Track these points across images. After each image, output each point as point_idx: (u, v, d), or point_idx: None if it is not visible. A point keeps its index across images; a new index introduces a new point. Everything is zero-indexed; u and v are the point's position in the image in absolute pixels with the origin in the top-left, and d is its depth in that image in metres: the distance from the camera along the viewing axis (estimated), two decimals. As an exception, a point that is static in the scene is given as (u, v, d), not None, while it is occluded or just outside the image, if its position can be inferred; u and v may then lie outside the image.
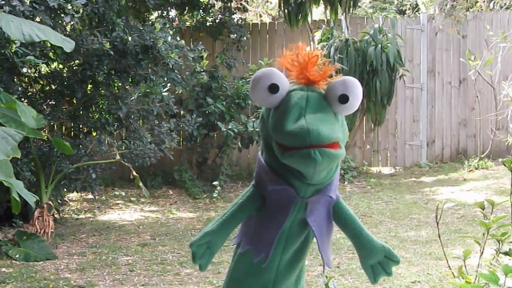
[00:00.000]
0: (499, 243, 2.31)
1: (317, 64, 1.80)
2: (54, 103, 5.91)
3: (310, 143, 1.64)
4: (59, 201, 5.93)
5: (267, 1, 11.34)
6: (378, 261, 1.90)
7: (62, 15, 4.72)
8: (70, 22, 4.83)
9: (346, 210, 1.90)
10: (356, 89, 1.77)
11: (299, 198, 1.78)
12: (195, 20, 8.35)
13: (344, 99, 1.75)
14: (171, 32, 5.77)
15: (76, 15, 4.68)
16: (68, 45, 3.85)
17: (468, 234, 4.90)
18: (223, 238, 1.88)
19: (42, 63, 5.01)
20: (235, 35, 7.91)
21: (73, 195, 7.17)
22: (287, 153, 1.69)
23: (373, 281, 1.92)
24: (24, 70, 5.06)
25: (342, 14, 7.64)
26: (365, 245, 1.89)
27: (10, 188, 2.76)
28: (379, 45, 7.29)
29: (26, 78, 5.90)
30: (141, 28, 5.60)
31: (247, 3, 9.09)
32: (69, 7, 4.58)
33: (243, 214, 1.87)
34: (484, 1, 9.40)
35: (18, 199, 2.88)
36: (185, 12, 8.27)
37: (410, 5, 11.31)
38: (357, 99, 1.77)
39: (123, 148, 5.95)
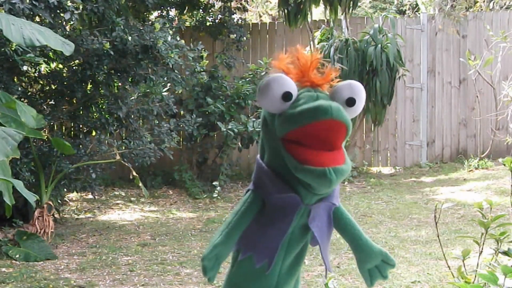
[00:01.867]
0: (498, 243, 2.31)
1: (317, 67, 1.80)
2: (54, 103, 5.91)
3: (332, 115, 1.65)
4: (59, 201, 5.93)
5: (267, 1, 11.34)
6: (375, 265, 1.91)
7: (62, 14, 4.72)
8: (70, 20, 4.83)
9: (346, 215, 1.91)
10: (361, 93, 1.80)
11: (303, 205, 1.78)
12: (195, 20, 8.35)
13: (351, 102, 1.76)
14: (171, 32, 5.77)
15: (75, 12, 4.68)
16: (68, 48, 3.84)
17: (468, 234, 4.90)
18: (230, 248, 1.88)
19: (42, 61, 5.00)
20: (235, 35, 7.91)
21: (73, 195, 7.17)
22: (302, 167, 1.68)
23: (369, 284, 1.94)
24: (24, 68, 5.05)
25: (342, 14, 7.64)
26: (363, 250, 1.90)
27: (3, 192, 2.76)
28: (379, 45, 7.29)
29: (26, 78, 5.90)
30: (141, 28, 5.60)
31: (247, 3, 9.07)
32: (69, 3, 4.58)
33: (246, 221, 1.86)
34: (484, 1, 9.40)
35: (9, 202, 2.88)
36: (185, 11, 8.27)
37: (410, 5, 11.31)
38: (362, 102, 1.80)
39: (123, 148, 5.94)
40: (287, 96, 1.73)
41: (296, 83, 1.78)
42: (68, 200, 6.90)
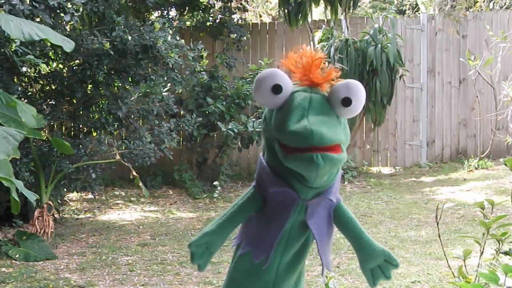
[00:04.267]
0: (499, 243, 2.31)
1: (321, 67, 1.80)
2: (54, 103, 5.90)
3: (313, 144, 1.64)
4: (59, 201, 5.93)
5: (267, 1, 11.34)
6: (377, 265, 1.90)
7: (62, 14, 4.72)
8: (70, 22, 4.82)
9: (347, 213, 1.90)
10: (359, 93, 1.77)
11: (300, 201, 1.78)
12: (195, 20, 8.34)
13: (347, 102, 1.75)
14: (171, 32, 5.77)
15: (76, 14, 4.67)
16: (68, 45, 3.84)
17: (468, 234, 4.90)
18: (222, 239, 1.89)
19: (42, 63, 5.00)
20: (235, 35, 7.91)
21: (73, 195, 7.16)
22: (290, 155, 1.69)
23: (372, 284, 1.93)
24: (24, 69, 5.05)
25: (342, 14, 7.64)
26: (365, 249, 1.89)
27: (10, 188, 2.76)
28: (379, 45, 7.29)
29: (26, 78, 5.90)
30: (141, 27, 5.59)
31: (247, 3, 9.07)
32: (69, 5, 4.57)
33: (242, 215, 1.87)
34: (484, 1, 9.40)
35: (17, 199, 2.88)
36: (185, 12, 8.27)
37: (410, 5, 11.31)
38: (360, 102, 1.77)
39: (123, 148, 5.94)
40: (276, 88, 1.74)
41: (298, 82, 1.79)
42: (68, 200, 6.89)
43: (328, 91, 1.79)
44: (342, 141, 1.72)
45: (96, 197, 6.75)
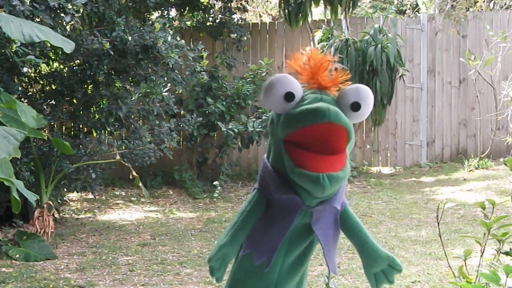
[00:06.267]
0: (500, 243, 2.31)
1: (328, 69, 1.79)
2: (54, 103, 5.90)
3: (329, 119, 1.65)
4: (59, 201, 5.93)
5: (267, 1, 11.34)
6: (381, 270, 1.91)
7: (62, 14, 4.72)
8: (70, 22, 4.82)
9: (353, 218, 1.90)
10: (368, 98, 1.78)
11: (304, 207, 1.78)
12: (195, 20, 8.34)
13: (356, 107, 1.75)
14: (171, 32, 5.77)
15: (76, 15, 4.67)
16: (68, 46, 3.83)
17: (468, 234, 4.90)
18: (237, 248, 1.88)
19: (42, 63, 4.99)
20: (235, 35, 7.91)
21: (73, 195, 7.16)
22: (297, 170, 1.68)
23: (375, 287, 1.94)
24: (25, 69, 5.05)
25: (342, 14, 7.64)
26: (370, 254, 1.89)
27: (11, 188, 2.75)
28: (379, 45, 7.29)
29: (26, 78, 5.90)
30: (141, 28, 5.59)
31: (247, 3, 9.06)
32: (70, 6, 4.57)
33: (252, 220, 1.87)
34: (484, 1, 9.40)
35: (18, 198, 2.88)
36: (185, 12, 8.27)
37: (410, 5, 11.31)
38: (369, 107, 1.78)
39: (123, 148, 5.94)
40: (289, 96, 1.74)
41: (305, 84, 1.79)
42: (68, 200, 6.89)
43: (336, 95, 1.79)
44: (352, 130, 1.72)
45: (96, 197, 6.75)
